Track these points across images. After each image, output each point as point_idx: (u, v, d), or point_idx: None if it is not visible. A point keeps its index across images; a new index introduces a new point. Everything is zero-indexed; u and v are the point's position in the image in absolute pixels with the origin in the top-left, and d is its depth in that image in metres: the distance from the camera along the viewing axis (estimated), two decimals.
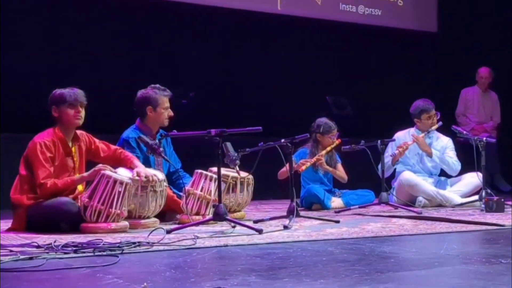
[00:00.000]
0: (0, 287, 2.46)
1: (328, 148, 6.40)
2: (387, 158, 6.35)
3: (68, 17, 7.91)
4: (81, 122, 4.59)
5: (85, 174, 4.51)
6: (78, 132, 4.65)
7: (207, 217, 4.52)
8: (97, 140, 4.76)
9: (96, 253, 3.25)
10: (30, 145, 4.48)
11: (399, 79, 9.75)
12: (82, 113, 4.58)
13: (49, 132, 4.54)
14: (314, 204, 6.28)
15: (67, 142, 4.56)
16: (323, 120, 6.58)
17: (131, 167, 4.58)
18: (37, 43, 7.65)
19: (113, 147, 4.81)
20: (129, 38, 8.23)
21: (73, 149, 4.59)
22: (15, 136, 6.59)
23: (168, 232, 4.04)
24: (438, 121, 6.72)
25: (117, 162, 4.63)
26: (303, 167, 6.11)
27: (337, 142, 6.42)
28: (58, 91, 4.60)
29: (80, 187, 4.56)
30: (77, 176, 4.52)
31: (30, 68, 7.45)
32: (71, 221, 4.28)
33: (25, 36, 7.61)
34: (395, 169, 6.74)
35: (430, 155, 6.70)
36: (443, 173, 6.87)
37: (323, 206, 6.24)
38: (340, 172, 6.60)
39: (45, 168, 4.38)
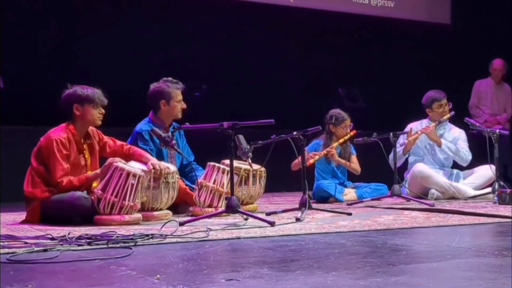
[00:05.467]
0: (8, 279, 2.48)
1: (341, 140, 6.32)
2: (398, 148, 6.33)
3: (80, 15, 7.96)
4: (100, 122, 4.61)
5: (98, 171, 4.51)
6: (89, 128, 4.64)
7: (220, 210, 4.53)
8: (105, 137, 4.76)
9: (109, 245, 3.27)
10: (44, 140, 4.47)
11: (412, 71, 9.71)
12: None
13: (62, 128, 4.52)
14: (328, 198, 6.25)
15: (80, 139, 4.57)
16: (336, 110, 6.53)
17: (142, 161, 4.60)
18: (48, 39, 7.70)
19: (119, 142, 4.80)
20: (140, 30, 8.24)
21: (84, 146, 4.60)
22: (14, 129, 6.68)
23: (181, 224, 4.05)
24: (450, 110, 6.68)
25: (124, 157, 4.60)
26: (311, 161, 6.03)
27: (351, 133, 6.34)
28: (79, 89, 4.55)
29: (95, 184, 4.55)
30: (90, 173, 4.53)
31: (41, 62, 7.50)
32: (84, 215, 4.30)
33: (37, 32, 7.66)
34: (407, 161, 6.72)
35: (439, 145, 6.67)
36: (456, 165, 6.84)
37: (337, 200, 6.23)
38: (354, 164, 6.53)
39: (62, 166, 4.39)
